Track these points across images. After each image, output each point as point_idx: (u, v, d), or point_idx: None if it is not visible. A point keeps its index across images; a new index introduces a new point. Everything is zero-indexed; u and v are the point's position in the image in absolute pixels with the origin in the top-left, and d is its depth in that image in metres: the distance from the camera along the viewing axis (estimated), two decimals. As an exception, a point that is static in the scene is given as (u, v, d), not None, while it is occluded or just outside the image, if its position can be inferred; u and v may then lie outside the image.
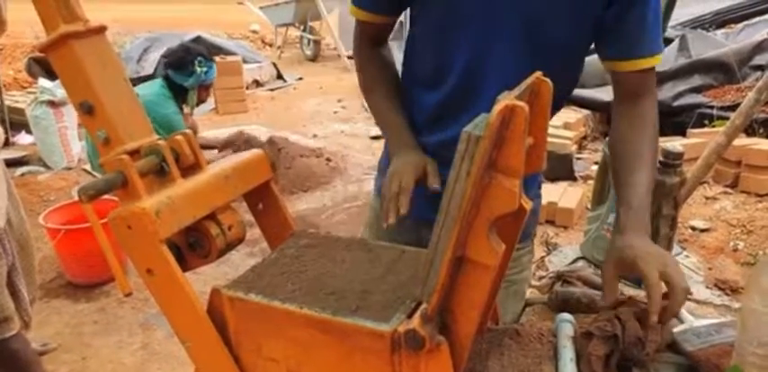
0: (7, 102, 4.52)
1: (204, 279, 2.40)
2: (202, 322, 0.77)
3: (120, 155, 0.77)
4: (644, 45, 0.99)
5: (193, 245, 0.86)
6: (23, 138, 4.49)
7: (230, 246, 0.89)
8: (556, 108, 1.07)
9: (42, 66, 5.74)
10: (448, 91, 1.05)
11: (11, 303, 1.62)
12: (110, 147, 0.81)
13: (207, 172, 0.86)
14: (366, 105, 1.21)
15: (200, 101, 3.29)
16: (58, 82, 4.00)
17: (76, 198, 2.34)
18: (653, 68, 1.00)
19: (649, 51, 0.99)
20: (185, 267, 0.85)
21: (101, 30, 0.82)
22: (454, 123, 1.03)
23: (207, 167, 0.87)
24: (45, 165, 4.07)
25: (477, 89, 1.02)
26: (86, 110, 0.80)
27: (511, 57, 0.99)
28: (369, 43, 1.15)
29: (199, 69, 3.01)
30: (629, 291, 1.16)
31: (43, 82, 4.10)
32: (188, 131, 0.87)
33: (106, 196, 0.80)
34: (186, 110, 3.24)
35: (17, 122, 4.42)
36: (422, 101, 1.10)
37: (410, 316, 0.71)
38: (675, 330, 0.92)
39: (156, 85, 3.10)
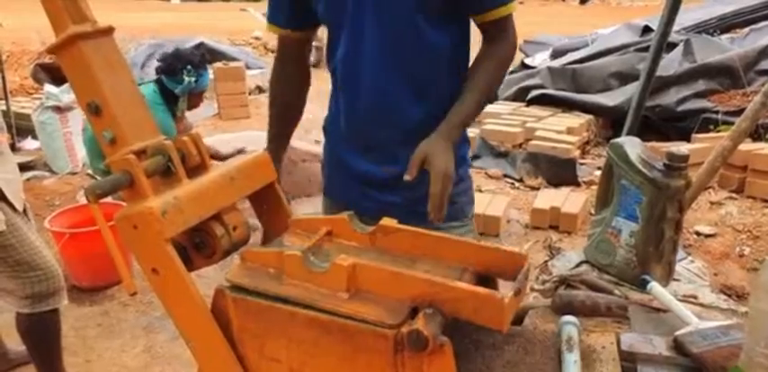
0: (14, 108, 4.56)
1: (208, 283, 2.39)
2: (207, 321, 0.77)
3: (127, 155, 0.77)
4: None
5: (199, 245, 0.86)
6: (29, 144, 4.51)
7: (235, 247, 0.89)
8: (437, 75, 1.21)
9: (48, 72, 5.79)
10: (339, 82, 1.25)
11: (62, 274, 1.79)
12: (116, 147, 0.81)
13: (212, 173, 0.86)
14: None
15: (192, 106, 3.25)
16: (63, 88, 4.03)
17: (82, 201, 2.38)
18: (506, 17, 1.18)
19: (496, 4, 1.15)
20: (190, 267, 0.85)
21: (109, 31, 0.82)
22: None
23: (212, 168, 0.87)
24: (50, 170, 4.09)
25: (358, 76, 1.18)
26: (93, 110, 0.80)
27: (377, 41, 1.14)
28: (281, 59, 1.32)
29: (187, 79, 2.99)
30: (633, 294, 1.15)
31: (49, 88, 4.12)
32: (194, 132, 0.87)
33: (112, 199, 0.81)
34: (179, 113, 3.23)
35: (23, 128, 4.45)
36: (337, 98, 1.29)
37: (413, 317, 0.71)
38: (681, 331, 0.91)
39: (148, 90, 3.09)
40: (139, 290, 0.79)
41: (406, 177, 1.04)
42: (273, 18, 1.27)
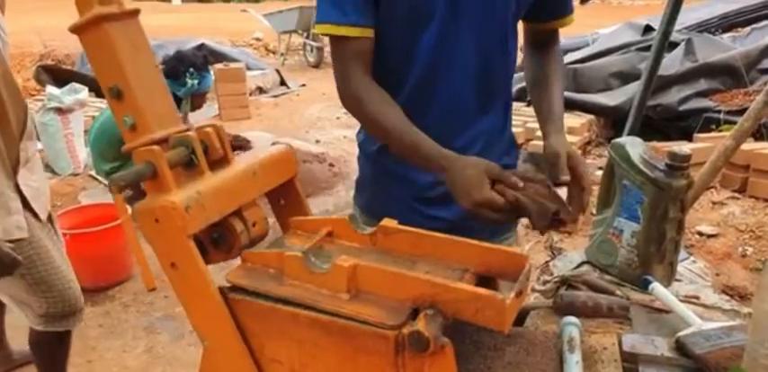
0: (15, 109, 4.55)
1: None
2: (224, 318, 0.76)
3: (151, 146, 0.74)
4: (566, 6, 1.19)
5: (216, 240, 0.84)
6: (31, 145, 4.52)
7: (253, 243, 0.87)
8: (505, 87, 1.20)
9: (50, 74, 5.79)
10: (410, 88, 1.09)
11: (80, 296, 1.71)
12: (137, 134, 0.78)
13: (235, 167, 0.83)
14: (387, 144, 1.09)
15: (196, 107, 3.27)
16: (65, 89, 4.04)
17: (84, 202, 2.31)
18: None
19: (569, 11, 1.19)
20: (207, 261, 0.82)
21: (135, 13, 0.79)
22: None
23: (234, 161, 0.84)
24: (52, 171, 4.09)
25: (438, 82, 1.09)
26: (115, 94, 0.77)
27: (471, 45, 1.07)
28: (364, 70, 1.03)
29: (190, 82, 3.00)
30: (635, 295, 1.15)
31: (51, 89, 4.13)
32: (217, 124, 0.84)
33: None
34: (182, 114, 3.24)
35: (25, 129, 4.45)
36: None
37: (414, 318, 0.70)
38: (683, 332, 0.91)
39: None
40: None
41: (566, 177, 1.01)
42: (353, 18, 1.01)
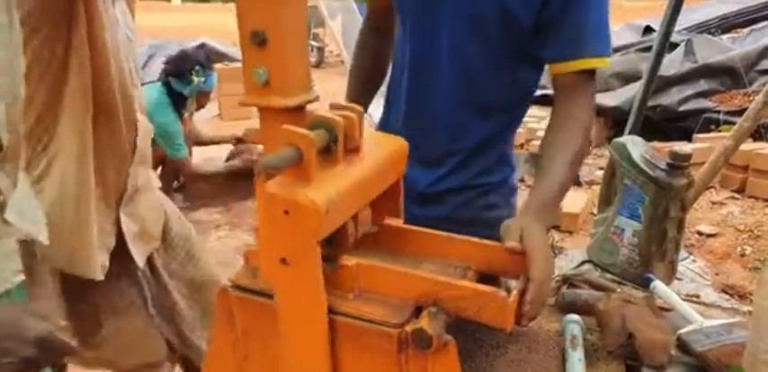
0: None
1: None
2: (321, 322, 0.72)
3: (305, 132, 0.65)
4: (581, 46, 0.99)
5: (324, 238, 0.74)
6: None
7: (356, 244, 0.81)
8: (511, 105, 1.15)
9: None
10: (408, 71, 1.13)
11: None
12: (266, 91, 0.68)
13: (366, 161, 0.74)
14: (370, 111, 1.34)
15: (200, 106, 3.29)
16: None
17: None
18: (592, 70, 1.01)
19: (587, 52, 0.99)
20: None
21: None
22: (421, 110, 1.14)
23: (362, 153, 0.76)
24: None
25: (425, 77, 1.11)
26: (258, 41, 0.66)
27: (447, 54, 1.06)
28: (367, 28, 1.31)
29: (196, 79, 3.01)
30: (639, 293, 1.15)
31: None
32: (358, 107, 0.75)
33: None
34: (186, 114, 3.25)
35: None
36: (399, 87, 1.18)
37: (417, 316, 0.71)
38: (685, 330, 0.91)
39: (156, 91, 3.10)
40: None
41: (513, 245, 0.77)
42: None
